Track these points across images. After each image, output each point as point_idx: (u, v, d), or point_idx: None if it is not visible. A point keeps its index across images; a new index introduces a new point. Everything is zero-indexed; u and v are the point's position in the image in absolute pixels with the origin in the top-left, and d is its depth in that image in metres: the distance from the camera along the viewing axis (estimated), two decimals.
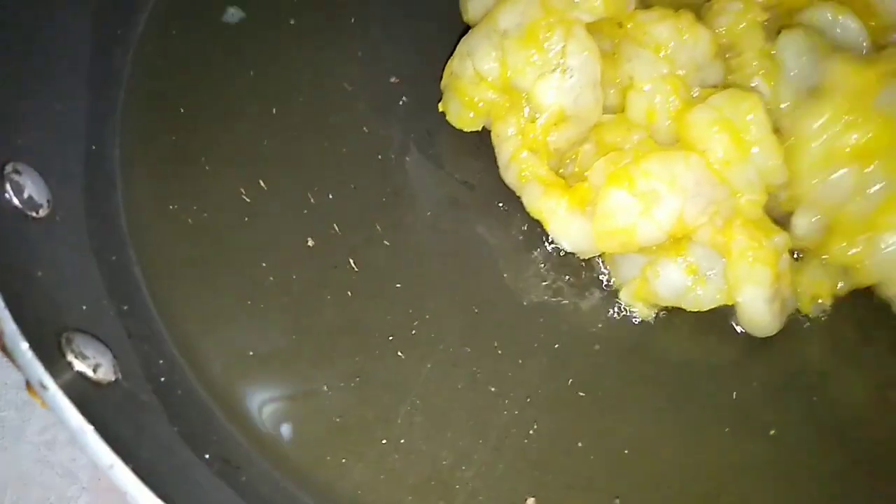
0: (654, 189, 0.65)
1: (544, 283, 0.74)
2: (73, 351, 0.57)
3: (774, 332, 0.69)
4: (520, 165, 0.70)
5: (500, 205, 0.76)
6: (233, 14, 0.81)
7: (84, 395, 0.54)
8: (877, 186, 0.65)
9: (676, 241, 0.67)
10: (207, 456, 0.64)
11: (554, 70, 0.68)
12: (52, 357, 0.55)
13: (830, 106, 0.64)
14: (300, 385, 0.69)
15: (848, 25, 0.69)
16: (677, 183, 0.65)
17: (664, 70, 0.67)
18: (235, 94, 0.78)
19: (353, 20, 0.83)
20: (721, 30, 0.70)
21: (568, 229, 0.69)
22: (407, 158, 0.78)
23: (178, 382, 0.67)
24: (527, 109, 0.70)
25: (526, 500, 0.67)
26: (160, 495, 0.52)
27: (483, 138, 0.76)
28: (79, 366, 0.57)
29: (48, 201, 0.65)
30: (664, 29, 0.67)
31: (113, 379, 0.59)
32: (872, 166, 0.64)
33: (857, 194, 0.65)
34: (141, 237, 0.72)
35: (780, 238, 0.66)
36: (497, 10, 0.70)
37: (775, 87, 0.68)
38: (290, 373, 0.70)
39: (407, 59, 0.81)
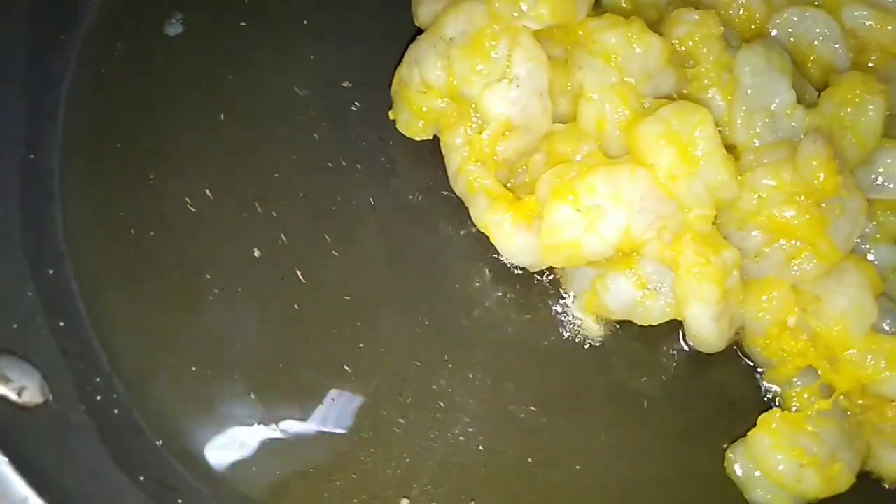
0: (598, 204, 0.63)
1: (497, 295, 0.73)
2: None
3: (721, 349, 0.68)
4: (468, 177, 0.69)
5: (453, 215, 0.74)
6: (178, 20, 0.79)
7: (4, 420, 0.52)
8: (769, 263, 0.65)
9: (625, 255, 0.66)
10: (142, 478, 0.62)
11: (500, 79, 0.66)
12: None
13: (789, 176, 0.64)
14: (241, 403, 0.68)
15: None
16: (622, 197, 0.63)
17: (613, 79, 0.65)
18: (181, 100, 0.76)
19: (305, 22, 0.81)
20: (676, 40, 0.68)
21: (513, 244, 0.68)
22: (358, 166, 0.76)
23: (114, 402, 0.65)
24: (475, 119, 0.68)
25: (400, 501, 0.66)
26: None
27: (436, 146, 0.74)
28: (1, 390, 0.55)
29: None
30: (613, 37, 0.65)
31: (41, 401, 0.58)
32: (777, 244, 0.65)
33: (753, 258, 0.66)
34: (80, 250, 0.70)
35: (729, 254, 0.64)
36: (443, 18, 0.68)
37: (731, 102, 0.66)
38: (231, 390, 0.68)
39: (361, 64, 0.79)
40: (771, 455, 0.63)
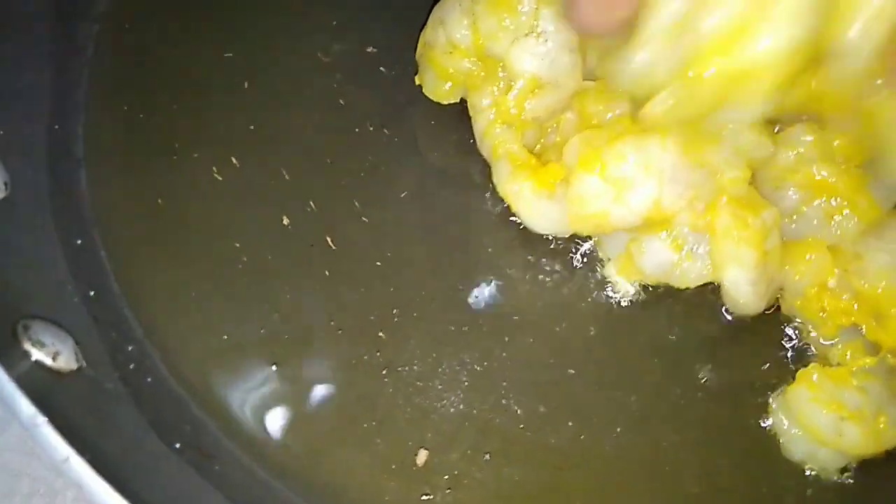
0: (627, 174, 0.61)
1: (529, 258, 0.72)
2: (30, 339, 0.55)
3: (759, 311, 0.66)
4: (493, 140, 0.67)
5: (482, 178, 0.73)
6: None
7: (41, 384, 0.52)
8: (807, 222, 0.64)
9: (657, 223, 0.64)
10: (178, 445, 0.62)
11: (528, 34, 0.64)
12: (6, 345, 0.53)
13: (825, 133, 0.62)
14: (276, 369, 0.67)
15: None
16: (652, 167, 0.61)
17: None
18: (206, 68, 0.76)
19: None
20: None
21: (532, 212, 0.66)
22: (385, 131, 0.75)
23: (147, 369, 0.65)
24: (502, 76, 0.67)
25: (418, 452, 0.65)
26: (121, 488, 0.50)
27: (464, 109, 0.73)
28: (36, 354, 0.55)
29: (6, 183, 0.63)
30: None
31: (75, 367, 0.58)
32: (817, 203, 0.63)
33: (791, 218, 0.64)
34: (107, 219, 0.70)
35: (768, 214, 0.62)
36: None
37: None
38: (264, 357, 0.67)
39: (385, 28, 0.78)
40: (810, 409, 0.62)
